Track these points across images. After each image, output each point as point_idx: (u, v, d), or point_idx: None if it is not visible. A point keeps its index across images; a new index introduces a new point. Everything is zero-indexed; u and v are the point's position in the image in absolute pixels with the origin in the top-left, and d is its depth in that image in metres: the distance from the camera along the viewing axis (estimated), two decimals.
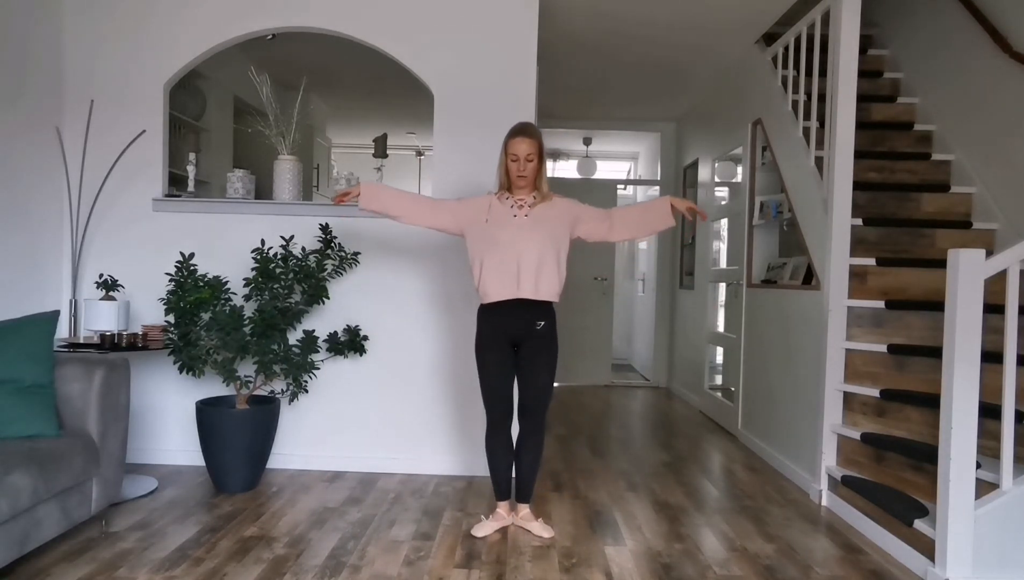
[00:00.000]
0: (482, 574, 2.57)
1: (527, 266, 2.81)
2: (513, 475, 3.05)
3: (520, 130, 2.87)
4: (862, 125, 4.03)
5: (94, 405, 2.68)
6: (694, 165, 6.41)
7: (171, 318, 3.33)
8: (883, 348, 3.35)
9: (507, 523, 3.03)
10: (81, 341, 3.37)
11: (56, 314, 2.77)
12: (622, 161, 9.21)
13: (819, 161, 3.77)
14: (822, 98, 3.75)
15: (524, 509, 3.03)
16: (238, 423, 3.37)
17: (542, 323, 2.88)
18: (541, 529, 2.95)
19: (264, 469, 3.58)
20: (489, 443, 3.00)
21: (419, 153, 8.81)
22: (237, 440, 3.35)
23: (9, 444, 2.36)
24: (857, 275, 3.59)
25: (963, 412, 2.47)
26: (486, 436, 3.01)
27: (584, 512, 3.27)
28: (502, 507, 3.03)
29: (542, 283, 2.84)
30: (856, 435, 3.29)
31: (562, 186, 7.41)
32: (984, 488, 2.57)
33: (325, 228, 3.52)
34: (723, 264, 5.92)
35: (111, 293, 3.40)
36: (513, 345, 2.93)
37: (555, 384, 3.01)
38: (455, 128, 3.81)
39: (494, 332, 2.91)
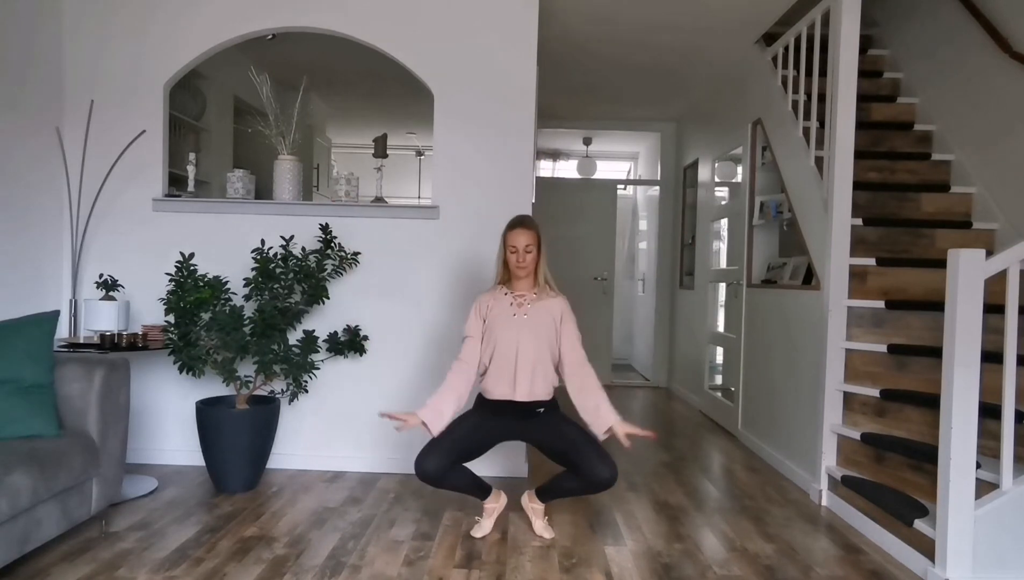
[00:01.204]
0: (482, 574, 2.57)
1: (523, 369, 2.82)
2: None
3: (518, 222, 2.89)
4: (862, 125, 4.04)
5: (94, 405, 2.68)
6: (694, 165, 6.41)
7: (171, 318, 3.33)
8: (883, 348, 3.35)
9: (501, 507, 3.01)
10: (81, 341, 3.36)
11: (56, 314, 2.77)
12: (622, 161, 9.21)
13: (819, 161, 3.77)
14: (822, 98, 3.75)
15: (540, 504, 3.01)
16: (238, 423, 3.37)
17: (542, 409, 2.88)
18: (543, 529, 2.95)
19: (264, 469, 3.57)
20: (437, 486, 2.81)
21: (419, 153, 8.81)
22: (237, 440, 3.35)
23: (9, 444, 2.36)
24: (857, 275, 3.59)
25: (963, 412, 2.47)
26: (430, 483, 2.78)
27: (584, 512, 3.27)
28: (489, 501, 3.00)
29: (537, 386, 2.85)
30: (856, 435, 3.29)
31: (562, 186, 7.45)
32: (984, 488, 2.57)
33: (325, 228, 3.52)
34: (723, 264, 5.91)
35: (111, 293, 3.40)
36: (511, 434, 2.91)
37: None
38: (455, 128, 3.81)
39: (490, 415, 2.89)
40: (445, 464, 2.75)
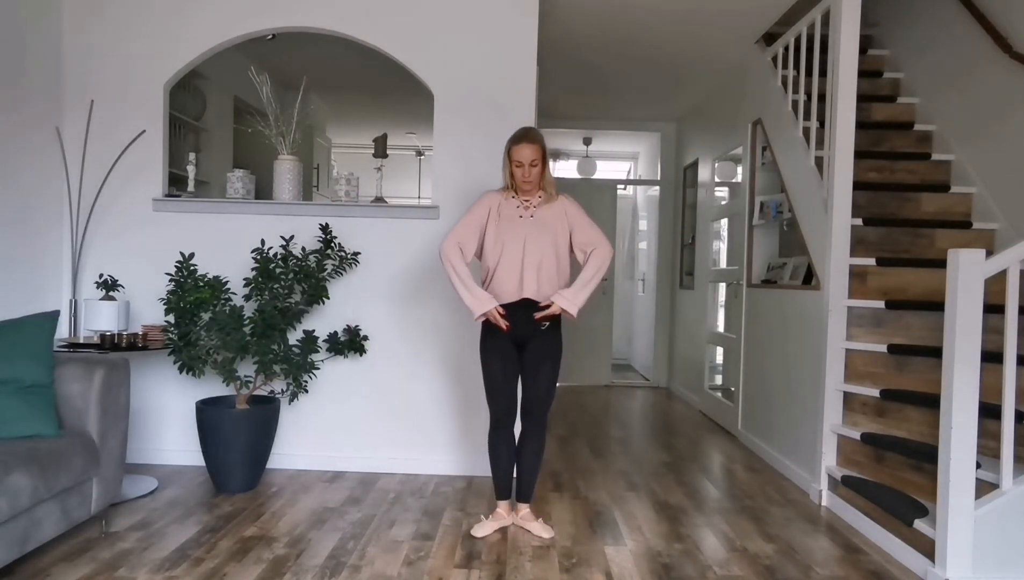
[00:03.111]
0: (482, 574, 2.57)
1: (529, 267, 2.85)
2: (514, 474, 3.06)
3: (522, 136, 2.89)
4: (862, 125, 4.03)
5: (94, 405, 2.68)
6: (694, 165, 6.41)
7: (171, 318, 3.33)
8: (883, 348, 3.35)
9: (507, 523, 3.03)
10: (81, 341, 3.36)
11: (56, 314, 2.77)
12: (622, 161, 9.20)
13: (819, 161, 3.77)
14: (822, 98, 3.75)
15: (524, 509, 3.03)
16: (238, 423, 3.37)
17: (547, 323, 2.90)
18: (541, 529, 2.95)
19: (264, 469, 3.57)
20: (492, 441, 3.01)
21: (419, 153, 8.81)
22: (237, 440, 3.35)
23: (9, 444, 2.36)
24: (857, 275, 3.59)
25: (963, 412, 2.47)
26: (489, 435, 3.02)
27: (584, 512, 3.27)
28: (502, 507, 3.03)
29: (543, 284, 2.87)
30: (856, 435, 3.28)
31: (562, 186, 7.40)
32: (984, 488, 2.57)
33: (325, 228, 3.52)
34: (723, 264, 5.91)
35: (111, 293, 3.40)
36: (518, 344, 2.94)
37: (557, 384, 3.02)
38: (455, 128, 3.81)
39: (499, 331, 2.91)
40: (512, 405, 2.96)
